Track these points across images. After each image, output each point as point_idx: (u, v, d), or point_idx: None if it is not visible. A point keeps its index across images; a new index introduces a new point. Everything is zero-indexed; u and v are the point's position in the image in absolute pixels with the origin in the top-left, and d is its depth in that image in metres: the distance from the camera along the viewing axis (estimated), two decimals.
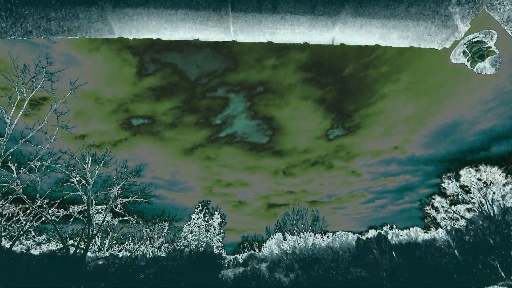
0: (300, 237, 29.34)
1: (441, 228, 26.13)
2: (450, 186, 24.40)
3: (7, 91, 11.41)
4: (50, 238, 16.93)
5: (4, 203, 12.18)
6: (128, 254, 20.38)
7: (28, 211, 14.48)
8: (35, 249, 15.90)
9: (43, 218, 14.55)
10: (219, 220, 29.30)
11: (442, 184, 25.18)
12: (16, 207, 14.04)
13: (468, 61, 2.34)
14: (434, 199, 26.37)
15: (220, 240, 28.72)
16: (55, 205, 15.41)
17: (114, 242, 22.60)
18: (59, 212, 15.63)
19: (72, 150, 15.55)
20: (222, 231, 29.21)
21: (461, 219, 23.69)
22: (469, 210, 23.77)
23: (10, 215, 14.13)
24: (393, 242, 33.82)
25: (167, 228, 22.08)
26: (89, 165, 15.52)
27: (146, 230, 21.11)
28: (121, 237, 23.22)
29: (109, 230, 21.05)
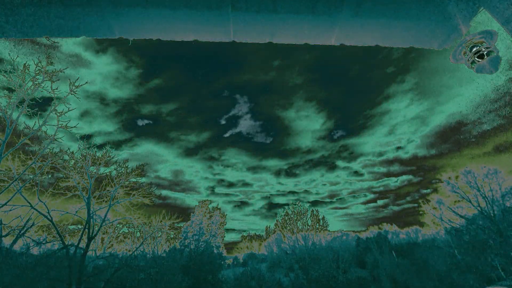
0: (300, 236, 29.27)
1: (441, 227, 26.14)
2: (450, 186, 24.41)
3: (7, 91, 11.42)
4: (50, 238, 16.92)
5: (4, 203, 12.18)
6: (128, 254, 20.38)
7: (28, 211, 14.47)
8: (35, 249, 15.90)
9: (43, 218, 14.54)
10: (220, 220, 29.31)
11: (443, 184, 25.20)
12: (16, 207, 14.03)
13: (468, 61, 2.33)
14: (434, 199, 26.39)
15: (220, 240, 28.72)
16: (55, 205, 15.40)
17: (114, 241, 22.59)
18: (59, 212, 15.62)
19: (73, 150, 15.56)
20: (222, 231, 29.21)
21: (461, 218, 23.69)
22: (469, 209, 23.78)
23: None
24: (393, 242, 33.75)
25: (167, 228, 22.09)
26: (89, 164, 15.53)
27: (147, 230, 21.12)
28: (121, 236, 23.21)
29: (109, 229, 21.06)
